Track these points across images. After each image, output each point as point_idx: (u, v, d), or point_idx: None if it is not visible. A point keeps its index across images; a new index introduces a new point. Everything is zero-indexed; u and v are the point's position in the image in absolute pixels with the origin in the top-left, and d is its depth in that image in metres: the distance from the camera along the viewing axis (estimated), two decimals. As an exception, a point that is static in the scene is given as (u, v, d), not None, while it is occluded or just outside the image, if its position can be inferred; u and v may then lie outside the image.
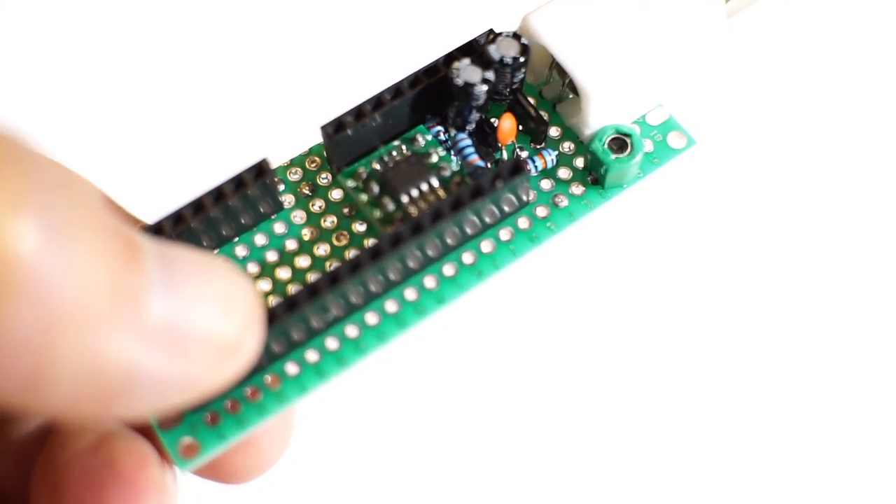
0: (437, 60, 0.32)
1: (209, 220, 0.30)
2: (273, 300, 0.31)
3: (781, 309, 0.52)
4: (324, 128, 0.31)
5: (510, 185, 0.30)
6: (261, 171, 0.30)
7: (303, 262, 0.32)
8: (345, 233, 0.32)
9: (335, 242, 0.32)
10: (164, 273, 0.24)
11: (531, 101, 0.33)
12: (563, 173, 0.33)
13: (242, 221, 0.32)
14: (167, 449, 0.30)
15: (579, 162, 0.33)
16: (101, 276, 0.23)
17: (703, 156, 0.35)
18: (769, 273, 0.53)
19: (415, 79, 0.32)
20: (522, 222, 0.32)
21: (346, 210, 0.32)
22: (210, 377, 0.25)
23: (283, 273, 0.31)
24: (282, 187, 0.33)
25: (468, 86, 0.31)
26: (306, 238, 0.32)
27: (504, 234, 0.32)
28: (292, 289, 0.31)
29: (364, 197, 0.32)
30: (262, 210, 0.32)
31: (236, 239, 0.32)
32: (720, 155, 0.52)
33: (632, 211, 0.36)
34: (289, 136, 0.35)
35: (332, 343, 0.31)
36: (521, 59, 0.31)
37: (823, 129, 0.55)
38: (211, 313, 0.25)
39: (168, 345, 0.24)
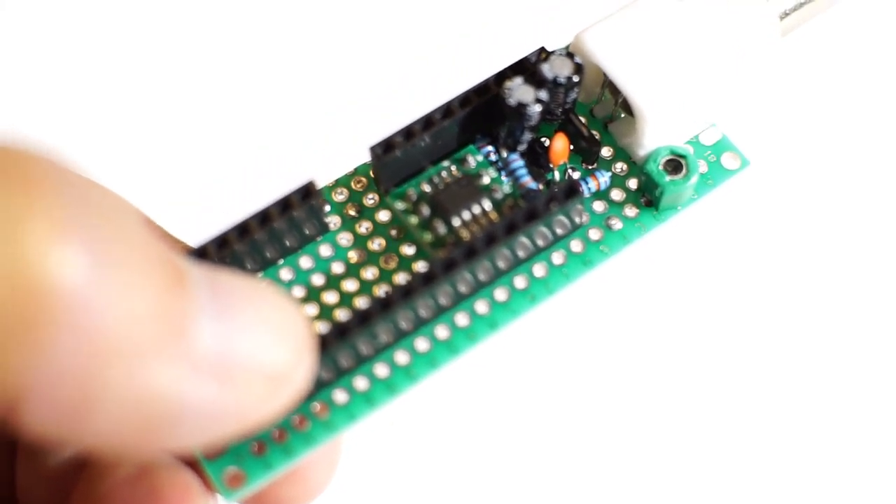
0: (488, 79, 0.31)
1: (254, 243, 0.30)
2: (320, 325, 0.30)
3: (839, 329, 0.52)
4: (373, 148, 0.30)
5: (564, 208, 0.30)
6: (307, 192, 0.30)
7: (350, 285, 0.31)
8: (393, 255, 0.31)
9: (383, 265, 0.31)
10: (213, 301, 0.23)
11: (583, 120, 0.32)
12: (617, 195, 0.32)
13: (287, 244, 0.31)
14: (212, 479, 0.29)
15: (632, 183, 0.32)
16: (148, 305, 0.22)
17: (757, 177, 0.34)
18: (825, 296, 0.52)
19: (465, 98, 0.31)
20: (575, 245, 0.31)
21: (393, 232, 0.32)
22: (260, 408, 0.25)
23: (331, 297, 0.31)
24: (327, 208, 0.32)
25: (521, 106, 0.30)
26: (353, 261, 0.31)
27: (557, 257, 0.31)
28: (339, 313, 0.30)
29: (414, 219, 0.31)
30: (307, 232, 0.31)
31: (281, 262, 0.31)
32: (774, 176, 0.51)
33: (686, 233, 0.35)
34: (333, 156, 0.34)
35: (381, 370, 0.30)
36: (575, 79, 0.31)
37: (880, 150, 0.54)
38: (261, 342, 0.24)
39: (217, 375, 0.24)
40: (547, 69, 0.30)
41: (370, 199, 0.32)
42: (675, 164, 0.32)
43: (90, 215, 0.22)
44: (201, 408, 0.24)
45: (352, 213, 0.32)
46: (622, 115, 0.33)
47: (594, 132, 0.32)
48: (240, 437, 0.27)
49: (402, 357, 0.30)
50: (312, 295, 0.31)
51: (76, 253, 0.21)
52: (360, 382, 0.30)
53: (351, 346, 0.29)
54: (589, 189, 0.32)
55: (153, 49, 0.59)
